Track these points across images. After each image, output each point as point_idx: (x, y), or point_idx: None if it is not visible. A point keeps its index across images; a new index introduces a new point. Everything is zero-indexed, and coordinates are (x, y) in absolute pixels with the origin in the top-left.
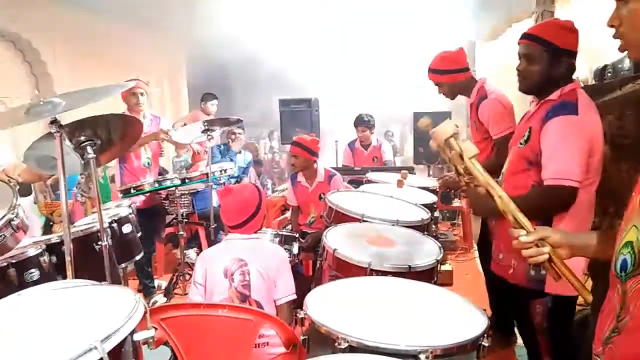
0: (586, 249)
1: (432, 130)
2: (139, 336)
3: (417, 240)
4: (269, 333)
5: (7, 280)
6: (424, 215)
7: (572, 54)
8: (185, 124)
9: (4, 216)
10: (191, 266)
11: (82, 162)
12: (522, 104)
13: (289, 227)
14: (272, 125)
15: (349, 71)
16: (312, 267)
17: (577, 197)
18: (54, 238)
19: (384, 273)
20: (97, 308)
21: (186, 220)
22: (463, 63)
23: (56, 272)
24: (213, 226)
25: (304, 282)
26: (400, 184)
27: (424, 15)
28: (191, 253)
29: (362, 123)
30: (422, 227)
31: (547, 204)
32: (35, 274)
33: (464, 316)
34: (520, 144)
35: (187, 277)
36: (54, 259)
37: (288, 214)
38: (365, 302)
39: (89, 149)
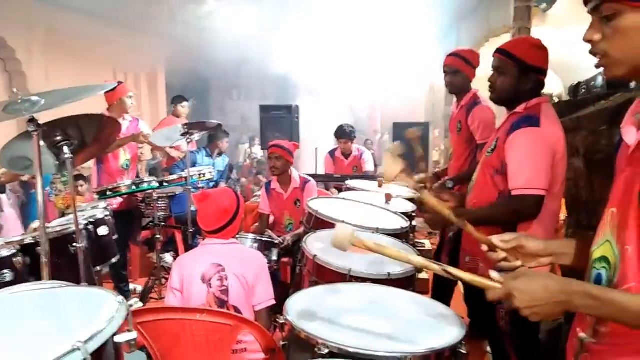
0: (561, 257)
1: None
2: (120, 338)
3: (397, 248)
4: (247, 339)
5: None
6: (404, 223)
7: (541, 71)
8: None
9: None
10: (167, 270)
11: (57, 162)
12: (500, 117)
13: (268, 232)
14: (250, 130)
15: (329, 80)
16: (291, 273)
17: (544, 205)
18: (27, 239)
19: (364, 280)
20: (78, 309)
21: (163, 223)
22: (479, 66)
23: (29, 273)
24: (190, 230)
25: (283, 288)
26: (388, 197)
27: (403, 28)
28: (167, 257)
29: (344, 135)
30: (401, 236)
31: (515, 213)
32: (7, 275)
33: (442, 323)
34: (488, 152)
35: (163, 281)
36: (27, 260)
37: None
38: (345, 309)
39: (65, 149)
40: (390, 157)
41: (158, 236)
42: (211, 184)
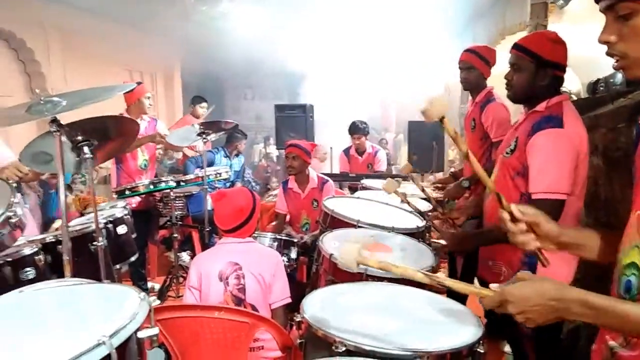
0: (580, 249)
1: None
2: (143, 334)
3: (413, 247)
4: (264, 337)
5: (2, 278)
6: (419, 222)
7: (559, 66)
8: None
9: (2, 214)
10: (184, 269)
11: (77, 161)
12: (515, 115)
13: (287, 230)
14: (265, 129)
15: (344, 79)
16: (307, 272)
17: (566, 208)
18: (49, 237)
19: (380, 279)
20: (101, 305)
21: (180, 222)
22: (494, 63)
23: (51, 271)
24: (207, 229)
25: (299, 287)
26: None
27: (418, 26)
28: (184, 256)
29: (357, 130)
30: (417, 235)
31: None
32: (30, 272)
33: (459, 322)
34: (507, 153)
35: (181, 279)
36: (49, 258)
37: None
38: (362, 307)
39: (85, 148)
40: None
41: (175, 235)
42: (227, 184)
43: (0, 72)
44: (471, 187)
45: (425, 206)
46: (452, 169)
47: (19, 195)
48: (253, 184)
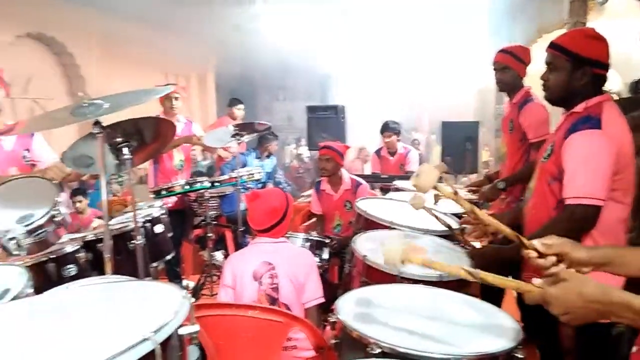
0: (614, 267)
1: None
2: (184, 330)
3: (447, 250)
4: (298, 336)
5: (46, 274)
6: (454, 224)
7: (598, 64)
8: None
9: (47, 212)
10: (218, 268)
11: (116, 162)
12: (557, 115)
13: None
14: (296, 130)
15: (376, 79)
16: (338, 273)
17: (607, 214)
18: (89, 235)
19: (414, 281)
20: (144, 302)
21: (214, 222)
22: (530, 62)
23: (91, 268)
24: (241, 229)
25: (330, 288)
26: (437, 198)
27: (452, 25)
28: (218, 255)
29: (388, 129)
30: (452, 237)
31: (569, 226)
32: (72, 269)
33: (497, 326)
34: (544, 158)
35: (214, 278)
36: (89, 255)
37: (313, 220)
38: (397, 309)
39: (125, 150)
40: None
41: (210, 234)
42: (259, 185)
43: (42, 75)
44: (507, 188)
45: (456, 208)
46: (487, 171)
47: (63, 194)
48: (284, 184)
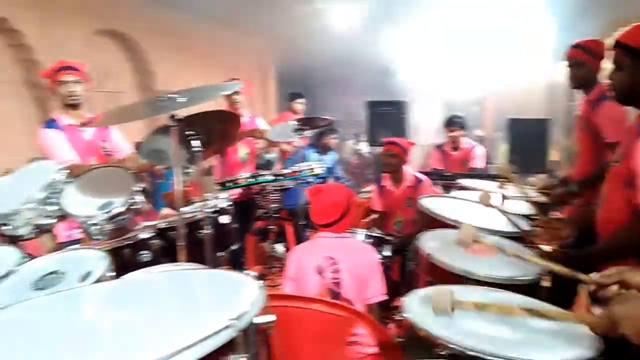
0: None
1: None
2: (260, 320)
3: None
4: (360, 332)
5: (122, 259)
6: (525, 226)
7: None
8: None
9: (126, 201)
10: (279, 259)
11: (187, 154)
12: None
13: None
14: (356, 126)
15: (438, 74)
16: (400, 271)
17: None
18: (162, 223)
19: (482, 283)
20: (222, 290)
21: (276, 215)
22: (604, 57)
23: (163, 255)
24: (301, 223)
25: (392, 285)
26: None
27: (520, 16)
28: (278, 247)
29: (452, 123)
30: (523, 239)
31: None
32: (146, 255)
33: (572, 333)
34: (616, 160)
35: (275, 270)
36: (162, 242)
37: (373, 216)
38: (464, 312)
39: (195, 142)
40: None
41: (271, 227)
42: (319, 180)
43: (116, 70)
44: (580, 191)
45: (525, 209)
46: (557, 171)
47: (140, 184)
48: (344, 180)
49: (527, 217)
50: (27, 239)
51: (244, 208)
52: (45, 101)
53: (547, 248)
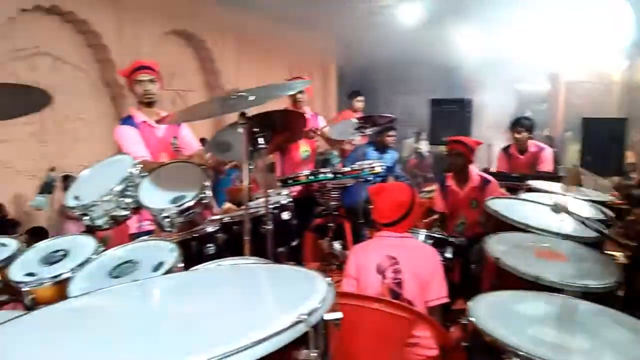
0: None
1: None
2: (329, 316)
3: (592, 258)
4: (420, 334)
5: (189, 251)
6: (601, 229)
7: None
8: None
9: (196, 195)
10: (336, 257)
11: (252, 152)
12: None
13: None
14: (417, 124)
15: (503, 71)
16: (460, 274)
17: None
18: (226, 218)
19: (553, 290)
20: (290, 286)
21: (335, 213)
22: None
23: (227, 249)
24: (360, 221)
25: (452, 288)
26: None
27: (598, 13)
28: (336, 245)
29: (519, 125)
30: (596, 245)
31: None
32: (211, 248)
33: None
34: None
35: (333, 267)
36: (225, 236)
37: (433, 216)
38: (533, 318)
39: (260, 139)
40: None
41: (330, 224)
42: (378, 179)
43: (185, 69)
44: None
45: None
46: (632, 174)
47: (209, 179)
48: (403, 179)
49: (600, 221)
50: (104, 229)
51: (303, 205)
52: (119, 99)
53: (621, 257)
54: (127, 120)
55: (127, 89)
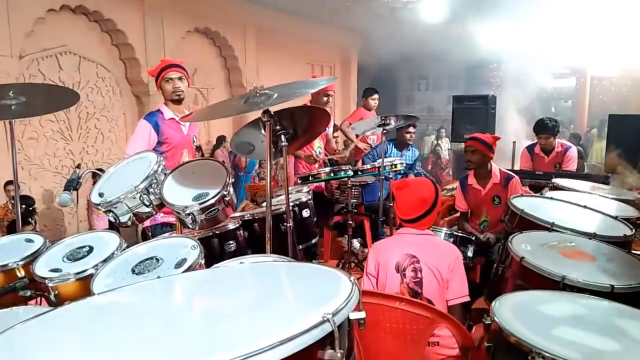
0: None
1: None
2: (354, 316)
3: (621, 259)
4: (441, 333)
5: (211, 248)
6: (627, 230)
7: None
8: (350, 124)
9: (218, 192)
10: (355, 255)
11: (274, 149)
12: None
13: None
14: (438, 121)
15: (526, 67)
16: (481, 273)
17: None
18: (247, 215)
19: (580, 290)
20: (315, 285)
21: (355, 210)
22: None
23: (247, 245)
24: (381, 219)
25: (472, 288)
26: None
27: (623, 8)
28: (355, 242)
29: (545, 130)
30: (624, 245)
31: None
32: (232, 245)
33: None
34: None
35: (352, 265)
36: (246, 233)
37: (455, 215)
38: (561, 319)
39: (282, 137)
40: None
41: (350, 222)
42: (399, 176)
43: (207, 67)
44: None
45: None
46: None
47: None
48: (424, 176)
49: (632, 221)
50: (128, 226)
51: (317, 200)
52: (143, 97)
53: None
54: (154, 114)
55: (153, 87)
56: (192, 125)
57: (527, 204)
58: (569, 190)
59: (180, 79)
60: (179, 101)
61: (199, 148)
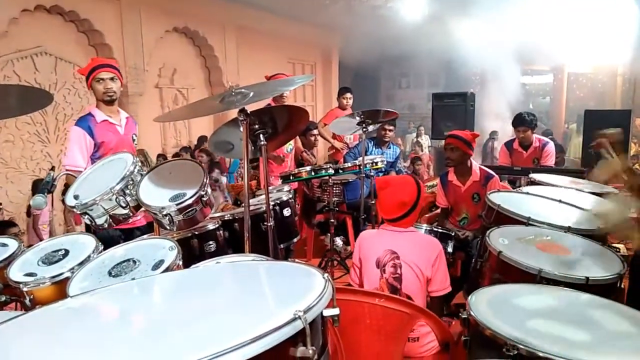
0: None
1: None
2: (327, 312)
3: (595, 251)
4: (421, 329)
5: (190, 249)
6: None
7: None
8: (325, 124)
9: (195, 192)
10: (338, 253)
11: (253, 148)
12: None
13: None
14: (418, 119)
15: (504, 64)
16: (461, 268)
17: None
18: (227, 215)
19: (556, 282)
20: (288, 282)
21: (337, 209)
22: None
23: (227, 246)
24: (362, 217)
25: (452, 282)
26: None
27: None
28: (338, 241)
29: (523, 123)
30: (598, 237)
31: None
32: (212, 245)
33: None
34: None
35: (335, 263)
36: (226, 233)
37: (436, 211)
38: (537, 311)
39: (261, 136)
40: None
41: (332, 220)
42: (380, 174)
43: (186, 66)
44: None
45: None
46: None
47: (208, 177)
48: (405, 173)
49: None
50: (103, 228)
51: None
52: (120, 97)
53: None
54: (86, 119)
55: (132, 88)
56: (131, 124)
57: (504, 199)
58: (546, 185)
59: (112, 79)
60: (111, 102)
61: (186, 149)
